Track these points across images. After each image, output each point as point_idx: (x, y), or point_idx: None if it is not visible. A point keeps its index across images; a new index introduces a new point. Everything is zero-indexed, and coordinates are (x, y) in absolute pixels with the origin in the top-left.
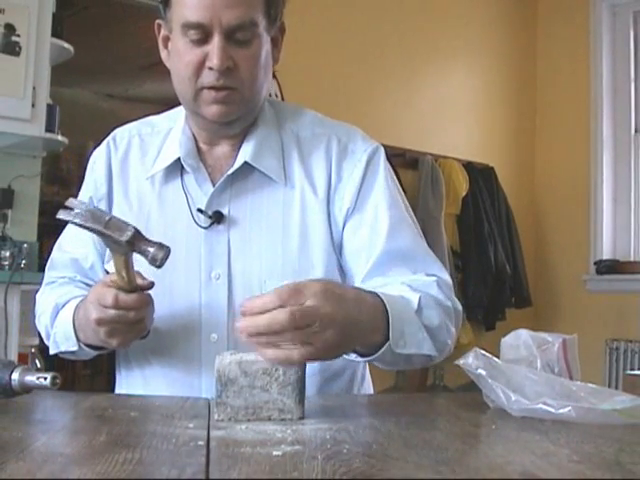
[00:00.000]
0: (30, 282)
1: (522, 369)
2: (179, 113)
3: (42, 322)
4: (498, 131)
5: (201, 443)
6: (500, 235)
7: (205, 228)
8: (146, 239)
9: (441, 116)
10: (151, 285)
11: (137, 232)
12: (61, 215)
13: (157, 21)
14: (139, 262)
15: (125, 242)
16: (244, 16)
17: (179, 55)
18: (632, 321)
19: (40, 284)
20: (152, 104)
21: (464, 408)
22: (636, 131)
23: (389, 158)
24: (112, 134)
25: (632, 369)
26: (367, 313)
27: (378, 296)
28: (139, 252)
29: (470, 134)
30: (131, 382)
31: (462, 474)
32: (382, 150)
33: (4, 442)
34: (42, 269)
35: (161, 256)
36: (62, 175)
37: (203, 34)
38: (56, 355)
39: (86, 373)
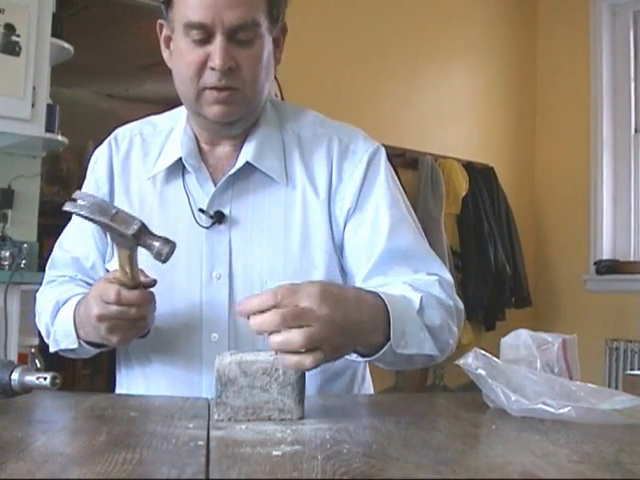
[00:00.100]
0: (30, 282)
1: (522, 369)
2: (180, 113)
3: (42, 320)
4: (498, 131)
5: (201, 443)
6: (500, 235)
7: (206, 228)
8: (152, 233)
9: (441, 116)
10: (154, 283)
11: (143, 226)
12: (67, 207)
13: (159, 21)
14: (141, 261)
15: (131, 235)
16: (246, 16)
17: (181, 55)
18: (632, 321)
19: (40, 284)
20: (152, 104)
21: (464, 408)
22: (636, 131)
23: (389, 158)
24: (114, 133)
25: (632, 369)
26: (368, 313)
27: (379, 296)
28: (144, 246)
29: (470, 134)
30: (131, 381)
31: (462, 474)
32: (383, 150)
33: (4, 442)
34: (42, 269)
35: (166, 251)
36: (62, 175)
37: (205, 34)
38: (56, 354)
39: (86, 373)
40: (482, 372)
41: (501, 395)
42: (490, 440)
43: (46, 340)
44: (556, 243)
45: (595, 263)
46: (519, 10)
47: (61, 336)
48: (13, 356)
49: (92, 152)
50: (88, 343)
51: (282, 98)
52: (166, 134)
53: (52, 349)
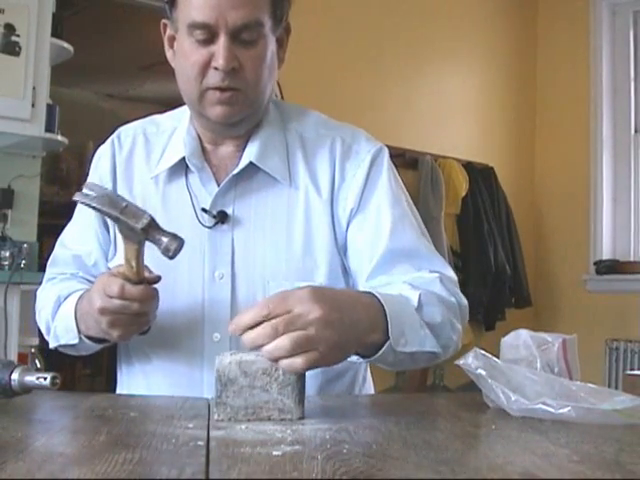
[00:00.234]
0: (30, 282)
1: (522, 369)
2: (184, 113)
3: (42, 317)
4: (498, 131)
5: (201, 443)
6: (500, 235)
7: (209, 228)
8: (161, 229)
9: (441, 116)
10: (158, 279)
11: (153, 220)
12: (77, 198)
13: (163, 21)
14: (144, 257)
15: (140, 229)
16: (250, 16)
17: (185, 55)
18: (632, 321)
19: (40, 284)
20: (152, 104)
21: (464, 408)
22: (636, 131)
23: (390, 158)
24: (117, 132)
25: (632, 369)
26: (364, 312)
27: (374, 296)
28: (152, 241)
29: (470, 134)
30: (132, 379)
31: (462, 474)
32: (386, 151)
33: (4, 442)
34: (42, 269)
35: (174, 247)
36: (62, 175)
37: (209, 34)
38: (56, 354)
39: (86, 373)
40: (482, 372)
41: (501, 395)
42: (490, 440)
43: (46, 336)
44: (556, 243)
45: (595, 263)
46: (519, 10)
47: (61, 331)
48: (13, 356)
49: (94, 151)
50: (88, 338)
51: (282, 98)
52: (169, 134)
53: (52, 345)
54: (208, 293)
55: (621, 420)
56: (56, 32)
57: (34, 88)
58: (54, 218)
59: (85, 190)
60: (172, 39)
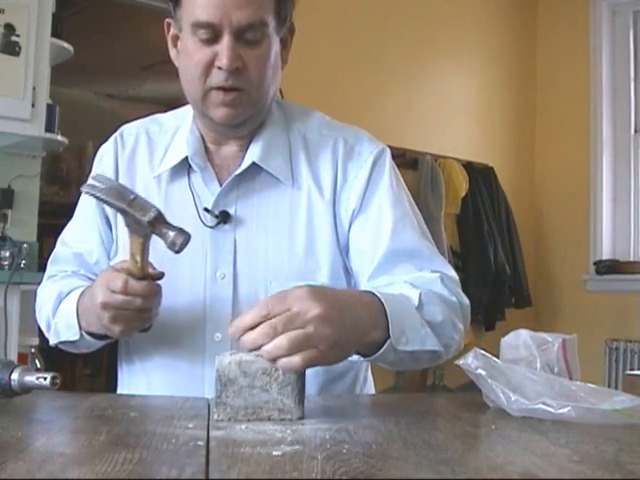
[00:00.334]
0: (30, 282)
1: (522, 369)
2: (187, 112)
3: (43, 314)
4: (498, 131)
5: (201, 443)
6: (500, 235)
7: (211, 227)
8: (168, 223)
9: (441, 116)
10: (161, 275)
11: (160, 214)
12: (85, 189)
13: (166, 20)
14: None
15: (147, 222)
16: (254, 16)
17: (188, 54)
18: (632, 321)
19: (40, 284)
20: (152, 104)
21: (464, 408)
22: (636, 131)
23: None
24: (119, 130)
25: (632, 369)
26: (364, 310)
27: (374, 294)
28: (159, 235)
29: (470, 134)
30: (133, 378)
31: (462, 474)
32: (388, 152)
33: (4, 442)
34: (42, 269)
35: (181, 241)
36: (62, 175)
37: (213, 34)
38: (56, 353)
39: (86, 373)
40: (482, 372)
41: (501, 395)
42: (490, 440)
43: (46, 333)
44: (556, 243)
45: (595, 263)
46: (519, 10)
47: (62, 328)
48: (13, 356)
49: (94, 151)
50: (89, 335)
51: (282, 98)
52: (172, 133)
53: (52, 342)
54: (210, 293)
55: (621, 420)
56: (56, 32)
57: (34, 88)
58: (54, 218)
59: (91, 181)
60: (176, 38)
